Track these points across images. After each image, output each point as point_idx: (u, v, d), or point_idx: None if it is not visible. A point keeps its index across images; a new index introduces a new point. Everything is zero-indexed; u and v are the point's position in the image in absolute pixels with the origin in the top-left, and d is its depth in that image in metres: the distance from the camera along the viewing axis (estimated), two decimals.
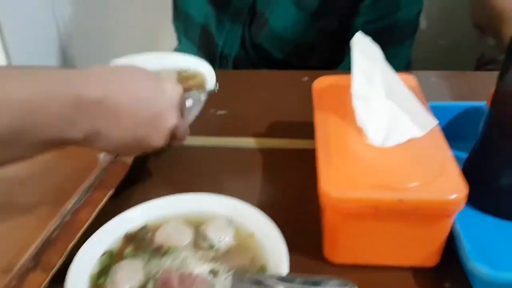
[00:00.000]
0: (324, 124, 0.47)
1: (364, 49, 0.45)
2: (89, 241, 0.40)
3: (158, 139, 0.45)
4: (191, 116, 0.57)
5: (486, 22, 0.91)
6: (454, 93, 0.70)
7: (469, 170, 0.48)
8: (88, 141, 0.41)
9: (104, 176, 0.49)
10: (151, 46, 1.28)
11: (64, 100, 0.39)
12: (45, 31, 1.35)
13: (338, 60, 0.87)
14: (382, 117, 0.43)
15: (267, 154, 0.59)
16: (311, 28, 0.84)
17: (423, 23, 0.94)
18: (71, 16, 1.39)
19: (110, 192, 0.46)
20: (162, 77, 0.47)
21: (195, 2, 0.93)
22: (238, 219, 0.42)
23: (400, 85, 0.45)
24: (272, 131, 0.63)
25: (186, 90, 0.58)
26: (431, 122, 0.43)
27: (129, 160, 0.52)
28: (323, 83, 0.55)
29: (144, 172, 0.56)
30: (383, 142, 0.42)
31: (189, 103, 0.54)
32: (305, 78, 0.73)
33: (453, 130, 0.55)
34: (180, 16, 0.99)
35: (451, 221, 0.39)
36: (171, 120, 0.45)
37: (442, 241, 0.40)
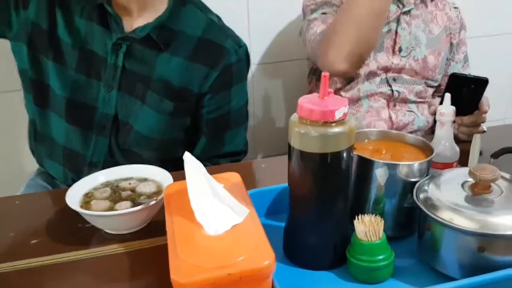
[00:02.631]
0: (173, 223, 0.60)
1: (192, 164, 0.61)
2: None
3: None
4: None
5: None
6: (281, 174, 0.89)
7: (286, 236, 0.65)
8: None
9: None
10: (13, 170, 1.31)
11: None
12: None
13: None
14: (212, 212, 0.57)
15: (135, 254, 0.69)
16: (171, 125, 1.02)
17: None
18: None
19: None
20: None
21: (56, 126, 1.02)
22: None
23: (221, 187, 0.61)
24: (139, 234, 0.74)
25: None
26: (246, 211, 0.58)
27: None
28: (172, 189, 0.69)
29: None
30: (215, 231, 0.56)
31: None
32: None
33: (273, 206, 0.73)
34: (41, 141, 1.06)
35: (269, 280, 0.54)
36: None
37: None
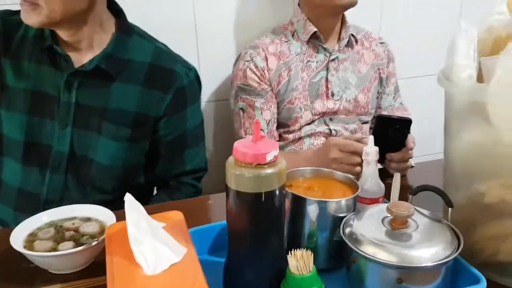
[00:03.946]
0: (113, 263, 0.62)
1: (132, 204, 0.63)
2: None
3: None
4: None
5: None
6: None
7: (226, 271, 0.68)
8: None
9: None
10: None
11: None
12: None
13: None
14: (151, 252, 0.60)
15: None
16: (130, 152, 1.05)
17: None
18: None
19: None
20: None
21: (11, 170, 1.03)
22: None
23: (160, 227, 0.64)
24: (84, 272, 0.75)
25: None
26: (183, 250, 0.61)
27: None
28: (114, 228, 0.70)
29: None
30: (153, 270, 0.59)
31: None
32: None
33: (216, 243, 0.76)
34: None
35: None
36: None
37: None
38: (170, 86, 1.04)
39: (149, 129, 1.06)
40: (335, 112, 1.27)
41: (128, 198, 0.64)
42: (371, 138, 0.77)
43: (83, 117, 1.01)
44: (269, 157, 0.61)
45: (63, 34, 0.98)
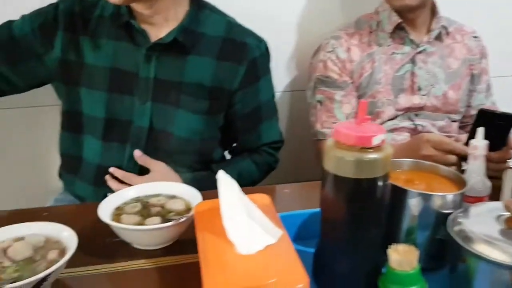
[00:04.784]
0: (204, 240, 0.60)
1: (226, 182, 0.62)
2: None
3: None
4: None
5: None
6: (305, 200, 0.90)
7: (316, 261, 0.64)
8: None
9: None
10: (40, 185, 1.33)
11: None
12: None
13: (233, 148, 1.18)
14: (244, 231, 0.58)
15: (163, 270, 0.69)
16: (208, 124, 1.06)
17: None
18: None
19: None
20: None
21: (91, 148, 1.05)
22: None
23: (254, 206, 0.61)
24: (166, 250, 0.74)
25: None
26: (279, 232, 0.59)
27: None
28: (202, 207, 0.69)
29: None
30: (248, 250, 0.56)
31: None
32: None
33: (302, 231, 0.73)
34: (72, 165, 1.09)
35: None
36: None
37: None
38: (243, 58, 1.05)
39: (224, 102, 1.07)
40: (421, 108, 1.19)
41: (222, 175, 0.62)
42: (481, 130, 0.71)
43: (162, 91, 1.02)
44: (375, 141, 0.57)
45: (141, 8, 0.99)
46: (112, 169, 0.99)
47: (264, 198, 0.69)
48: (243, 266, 0.55)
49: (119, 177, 0.98)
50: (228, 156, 1.22)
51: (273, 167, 1.19)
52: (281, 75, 1.42)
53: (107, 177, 0.99)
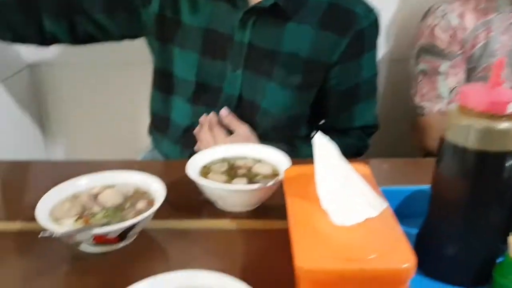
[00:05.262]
0: (294, 208, 0.55)
1: (323, 146, 0.56)
2: None
3: None
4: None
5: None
6: (404, 178, 0.81)
7: (420, 243, 0.57)
8: None
9: None
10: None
11: None
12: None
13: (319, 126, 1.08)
14: (342, 201, 0.52)
15: (247, 233, 0.66)
16: (298, 100, 0.99)
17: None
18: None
19: None
20: None
21: (180, 109, 1.04)
22: None
23: (355, 174, 0.55)
24: (251, 214, 0.71)
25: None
26: (382, 204, 0.52)
27: None
28: (292, 172, 0.64)
29: (142, 250, 0.62)
30: (344, 221, 0.51)
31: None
32: None
33: (404, 209, 0.65)
34: (160, 124, 1.09)
35: (405, 287, 0.47)
36: None
37: None
38: (348, 28, 0.95)
39: (319, 76, 0.99)
40: None
41: (319, 137, 0.56)
42: None
43: (255, 60, 0.97)
44: (511, 108, 0.47)
45: None
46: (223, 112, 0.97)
47: (363, 168, 0.62)
48: (339, 238, 0.49)
49: (224, 118, 0.97)
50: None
51: (361, 153, 1.09)
52: (382, 41, 1.31)
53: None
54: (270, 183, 0.67)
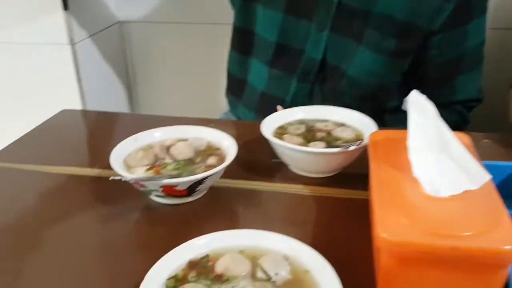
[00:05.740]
0: (380, 174, 0.50)
1: (419, 106, 0.49)
2: (154, 267, 0.43)
3: None
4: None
5: None
6: (506, 153, 0.71)
7: None
8: None
9: None
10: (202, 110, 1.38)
11: None
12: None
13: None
14: (437, 169, 0.45)
15: (321, 200, 0.61)
16: (390, 68, 0.90)
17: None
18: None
19: None
20: None
21: (257, 72, 1.00)
22: (293, 256, 0.44)
23: (454, 140, 0.47)
24: (326, 180, 0.66)
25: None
26: (484, 177, 0.44)
27: None
28: (378, 136, 0.58)
29: (211, 206, 0.60)
30: (438, 192, 0.44)
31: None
32: None
33: (507, 188, 0.56)
34: (237, 87, 1.06)
35: (506, 272, 0.40)
36: None
37: None
38: None
39: (416, 44, 0.87)
40: None
41: (414, 96, 0.49)
42: None
43: (344, 20, 0.88)
44: None
45: None
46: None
47: (464, 137, 0.54)
48: (430, 210, 0.43)
49: None
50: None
51: (459, 129, 0.95)
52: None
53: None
54: (352, 147, 0.61)
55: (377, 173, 0.50)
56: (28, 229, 0.57)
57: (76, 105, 1.30)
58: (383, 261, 0.42)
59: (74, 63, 1.27)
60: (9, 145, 0.77)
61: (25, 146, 0.78)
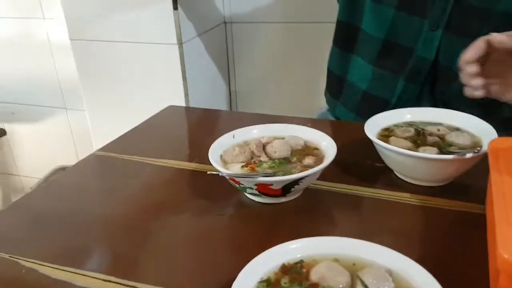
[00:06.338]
0: (502, 186, 0.43)
1: None
2: (246, 268, 0.41)
3: None
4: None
5: None
6: None
7: None
8: None
9: None
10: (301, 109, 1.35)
11: None
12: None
13: None
14: None
15: (430, 212, 0.55)
16: None
17: None
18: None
19: None
20: None
21: (360, 70, 0.95)
22: (398, 272, 0.40)
23: None
24: (436, 190, 0.60)
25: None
26: None
27: None
28: (500, 144, 0.51)
29: (306, 208, 0.58)
30: None
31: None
32: None
33: None
34: (336, 86, 1.01)
35: None
36: None
37: None
38: None
39: None
40: None
41: None
42: None
43: (460, 19, 0.80)
44: None
45: None
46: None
47: None
48: None
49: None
50: None
51: None
52: None
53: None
54: (470, 154, 0.54)
55: (498, 185, 0.43)
56: (132, 216, 0.59)
57: (181, 101, 1.35)
58: (503, 284, 0.36)
59: (181, 62, 1.32)
60: (119, 137, 0.82)
61: (134, 138, 0.82)
